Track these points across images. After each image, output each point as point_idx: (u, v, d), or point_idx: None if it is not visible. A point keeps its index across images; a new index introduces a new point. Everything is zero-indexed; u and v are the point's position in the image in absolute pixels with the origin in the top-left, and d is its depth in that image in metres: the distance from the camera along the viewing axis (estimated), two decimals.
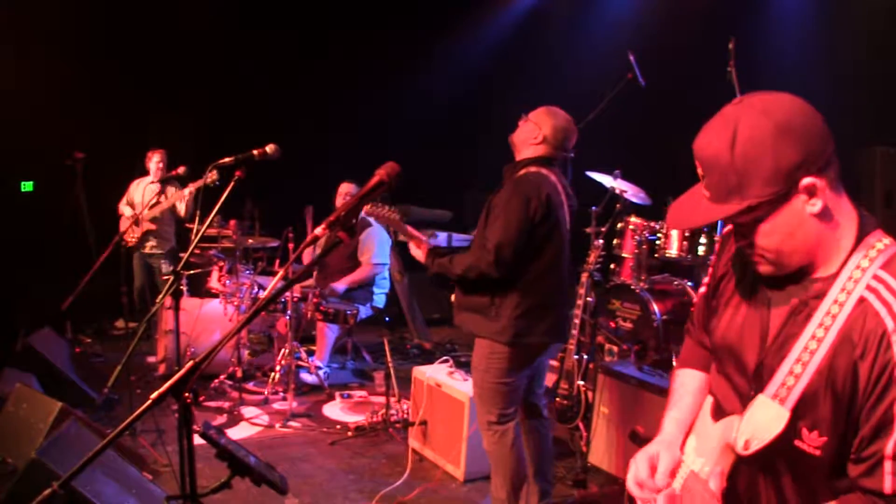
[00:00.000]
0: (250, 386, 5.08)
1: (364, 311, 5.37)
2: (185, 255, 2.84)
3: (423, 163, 5.72)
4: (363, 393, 5.17)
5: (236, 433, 4.36)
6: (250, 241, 5.23)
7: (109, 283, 5.98)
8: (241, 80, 7.44)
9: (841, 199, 1.29)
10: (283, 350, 4.92)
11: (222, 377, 4.98)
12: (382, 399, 4.49)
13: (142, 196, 6.19)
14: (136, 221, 6.05)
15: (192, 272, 5.51)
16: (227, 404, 4.75)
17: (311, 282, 5.29)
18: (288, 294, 4.73)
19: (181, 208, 6.08)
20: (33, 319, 4.93)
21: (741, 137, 1.24)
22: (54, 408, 3.41)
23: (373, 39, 7.69)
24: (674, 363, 4.14)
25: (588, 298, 3.73)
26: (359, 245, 5.51)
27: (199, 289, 5.73)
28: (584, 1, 7.76)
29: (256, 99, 7.33)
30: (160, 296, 3.18)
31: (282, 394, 4.89)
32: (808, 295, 1.30)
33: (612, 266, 5.10)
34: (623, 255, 4.95)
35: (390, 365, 4.37)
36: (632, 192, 4.63)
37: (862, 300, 1.24)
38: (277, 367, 4.98)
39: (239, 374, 4.87)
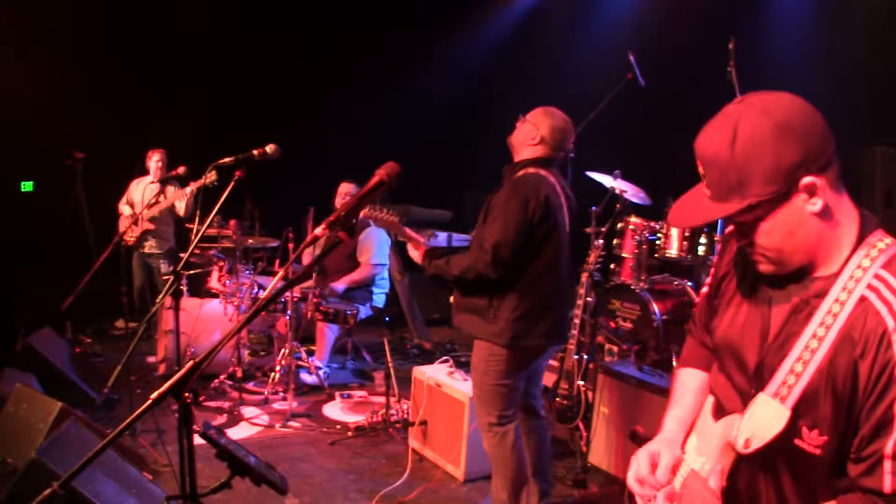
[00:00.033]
0: (250, 386, 5.08)
1: (364, 311, 5.37)
2: (185, 255, 2.84)
3: (423, 163, 5.72)
4: (363, 393, 5.17)
5: (236, 433, 4.36)
6: (250, 241, 5.24)
7: (109, 283, 5.98)
8: (241, 80, 7.45)
9: (842, 199, 1.30)
10: (283, 350, 4.92)
11: (222, 377, 4.98)
12: (382, 399, 4.49)
13: (142, 196, 6.19)
14: (136, 221, 6.06)
15: (192, 272, 5.51)
16: (227, 404, 4.75)
17: (310, 282, 5.29)
18: (288, 294, 4.73)
19: (181, 207, 6.08)
20: (33, 319, 4.92)
21: (741, 136, 1.24)
22: (54, 408, 3.41)
23: (373, 39, 7.69)
24: (674, 363, 4.16)
25: (588, 298, 3.73)
26: (358, 245, 5.51)
27: (199, 289, 5.73)
28: (584, 1, 7.76)
29: (256, 99, 7.33)
30: (160, 296, 3.19)
31: (282, 394, 4.89)
32: (810, 294, 1.30)
33: (612, 266, 5.10)
34: (623, 255, 4.95)
35: (390, 365, 4.37)
36: (632, 192, 4.62)
37: (863, 299, 1.24)
38: (277, 367, 4.98)
39: (239, 374, 4.87)
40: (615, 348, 4.66)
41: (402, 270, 6.22)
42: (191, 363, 1.49)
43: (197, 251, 5.01)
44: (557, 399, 3.79)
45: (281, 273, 2.53)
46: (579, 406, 3.69)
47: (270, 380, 4.99)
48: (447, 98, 8.17)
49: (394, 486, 3.69)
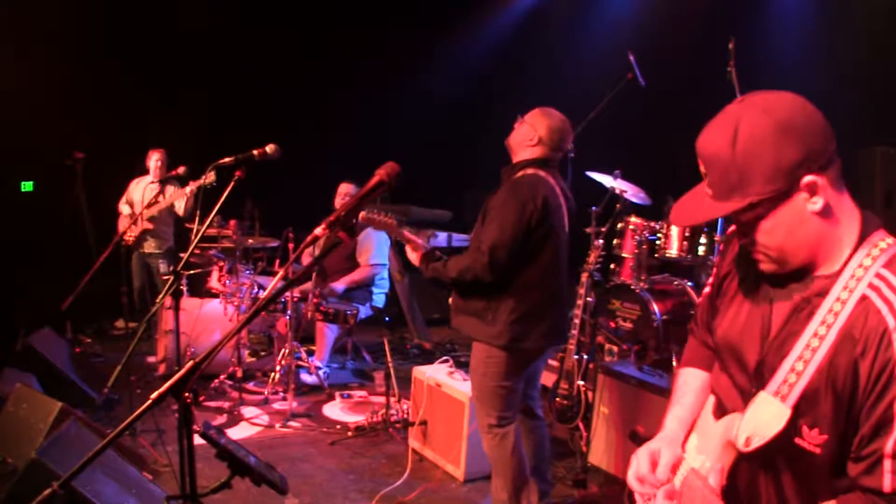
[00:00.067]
0: (250, 386, 5.08)
1: (364, 311, 5.37)
2: (185, 255, 2.84)
3: (423, 163, 5.72)
4: (363, 393, 5.17)
5: (236, 433, 4.35)
6: (250, 241, 5.23)
7: (109, 283, 5.98)
8: (241, 80, 7.45)
9: (843, 198, 1.30)
10: (283, 350, 4.93)
11: (222, 377, 4.98)
12: (382, 399, 4.49)
13: (142, 195, 6.18)
14: (135, 220, 6.05)
15: (191, 272, 5.51)
16: (227, 404, 4.75)
17: (309, 283, 5.29)
18: (288, 294, 4.73)
19: (180, 207, 6.08)
20: (33, 319, 4.93)
21: (742, 135, 1.25)
22: (54, 408, 3.41)
23: (373, 39, 7.69)
24: (674, 363, 4.16)
25: (588, 298, 3.72)
26: (357, 246, 5.51)
27: (199, 289, 5.73)
28: (584, 1, 7.77)
29: (256, 99, 7.33)
30: (160, 296, 3.18)
31: (282, 394, 4.88)
32: (811, 293, 1.31)
33: (612, 266, 5.10)
34: (623, 255, 4.95)
35: (390, 365, 4.37)
36: (632, 192, 4.62)
37: (864, 298, 1.24)
38: (277, 367, 4.98)
39: (239, 374, 4.87)
40: (615, 348, 4.66)
41: (402, 270, 6.22)
42: (191, 363, 1.50)
43: (197, 251, 5.01)
44: (557, 399, 3.79)
45: (281, 273, 2.53)
46: (579, 406, 3.69)
47: (270, 380, 4.99)
48: (447, 98, 8.17)
49: (394, 486, 3.69)
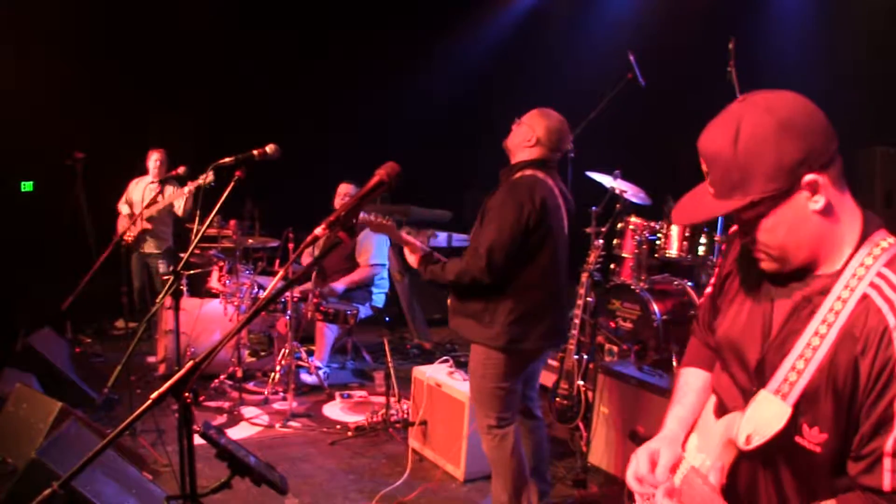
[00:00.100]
0: (250, 386, 5.08)
1: (363, 311, 5.37)
2: (185, 255, 2.84)
3: (423, 163, 5.72)
4: (363, 393, 5.17)
5: (236, 433, 4.35)
6: (250, 241, 5.23)
7: (109, 283, 5.98)
8: (241, 80, 7.45)
9: (844, 197, 1.30)
10: (283, 350, 4.93)
11: (222, 377, 4.98)
12: (382, 399, 4.49)
13: (141, 195, 6.18)
14: (134, 220, 6.05)
15: (191, 272, 5.51)
16: (227, 404, 4.75)
17: (309, 283, 5.29)
18: (288, 294, 4.73)
19: (179, 207, 6.07)
20: (33, 319, 4.93)
21: (744, 134, 1.26)
22: (54, 408, 3.41)
23: (373, 39, 7.69)
24: (674, 363, 4.16)
25: (588, 298, 3.72)
26: (357, 246, 5.51)
27: (199, 289, 5.73)
28: (584, 1, 7.77)
29: (256, 99, 7.33)
30: (160, 296, 3.18)
31: (282, 394, 4.88)
32: (812, 291, 1.31)
33: (612, 266, 5.10)
34: (623, 255, 4.95)
35: (390, 365, 4.37)
36: (632, 192, 4.62)
37: (865, 297, 1.24)
38: (277, 367, 4.98)
39: (239, 374, 4.87)
40: (615, 348, 4.66)
41: (402, 270, 6.22)
42: (191, 363, 1.50)
43: (197, 251, 5.01)
44: (557, 399, 3.79)
45: (281, 273, 2.53)
46: (579, 406, 3.69)
47: (270, 380, 4.99)
48: (447, 98, 8.17)
49: (394, 486, 3.69)
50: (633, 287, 4.63)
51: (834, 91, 4.98)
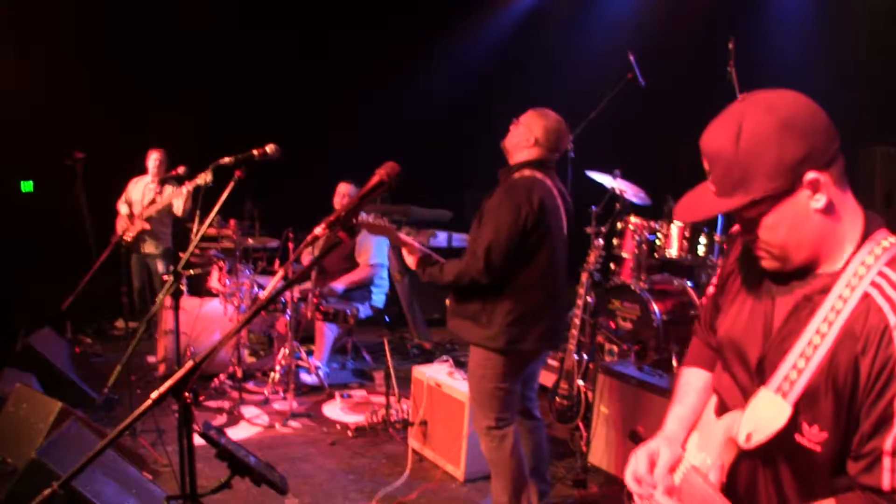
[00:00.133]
0: (250, 386, 5.08)
1: (363, 311, 5.37)
2: (185, 255, 2.84)
3: (423, 163, 5.72)
4: (363, 393, 5.16)
5: (236, 433, 4.36)
6: (250, 241, 5.24)
7: (109, 283, 5.98)
8: (241, 80, 7.45)
9: (846, 196, 1.31)
10: (283, 350, 4.93)
11: (222, 377, 4.98)
12: (382, 399, 4.49)
13: (141, 195, 6.18)
14: (132, 220, 6.05)
15: (191, 272, 5.50)
16: (227, 404, 4.75)
17: (309, 283, 5.29)
18: (288, 294, 4.73)
19: (178, 206, 6.07)
20: (33, 319, 4.93)
21: (746, 133, 1.26)
22: (54, 408, 3.42)
23: (373, 39, 7.70)
24: (673, 363, 4.16)
25: (588, 298, 3.72)
26: (356, 246, 5.50)
27: (199, 289, 5.73)
28: (584, 1, 7.77)
29: (256, 99, 7.34)
30: (160, 295, 3.18)
31: (282, 394, 4.89)
32: (813, 290, 1.31)
33: (612, 266, 5.10)
34: (623, 255, 4.95)
35: (390, 365, 4.37)
36: (632, 192, 4.62)
37: (866, 296, 1.24)
38: (277, 367, 4.98)
39: (239, 374, 4.87)
40: (615, 348, 4.65)
41: (402, 270, 6.22)
42: (191, 363, 1.50)
43: (197, 251, 5.01)
44: (557, 399, 3.79)
45: (280, 273, 2.53)
46: (579, 406, 3.69)
47: (270, 380, 4.99)
48: (447, 98, 8.17)
49: (394, 486, 3.69)
50: (633, 287, 4.63)
51: (834, 91, 4.97)
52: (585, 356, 3.71)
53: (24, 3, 6.51)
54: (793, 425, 1.29)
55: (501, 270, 2.86)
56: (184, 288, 5.08)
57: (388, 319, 5.72)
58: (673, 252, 4.65)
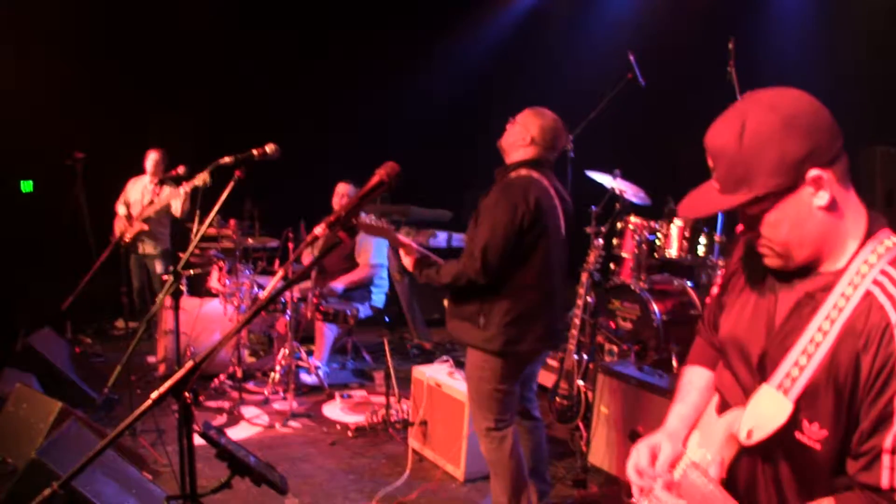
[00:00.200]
0: (250, 386, 5.08)
1: (363, 311, 5.37)
2: (184, 255, 2.84)
3: (423, 163, 5.72)
4: (363, 393, 5.16)
5: (236, 433, 4.36)
6: (250, 241, 5.24)
7: (109, 283, 5.98)
8: (241, 80, 7.45)
9: (849, 195, 1.31)
10: (283, 350, 4.93)
11: (222, 377, 4.98)
12: (382, 399, 4.49)
13: (140, 195, 6.18)
14: (129, 219, 6.05)
15: (191, 272, 5.51)
16: (227, 404, 4.75)
17: (308, 283, 5.29)
18: (288, 294, 4.73)
19: (176, 207, 6.06)
20: (33, 319, 4.93)
21: (749, 130, 1.27)
22: (54, 408, 3.42)
23: (373, 39, 7.70)
24: (674, 363, 4.16)
25: (588, 298, 3.72)
26: (356, 246, 5.50)
27: (199, 289, 5.73)
28: (584, 1, 7.77)
29: (256, 99, 7.33)
30: (160, 295, 3.18)
31: (282, 394, 4.89)
32: (815, 288, 1.32)
33: (612, 266, 5.10)
34: (623, 255, 4.95)
35: (390, 365, 4.37)
36: (632, 192, 4.62)
37: (868, 294, 1.25)
38: (277, 367, 4.98)
39: (239, 374, 4.87)
40: (615, 348, 4.65)
41: (401, 270, 6.22)
42: (191, 363, 1.50)
43: (197, 251, 5.01)
44: (557, 399, 3.79)
45: (280, 273, 2.53)
46: (579, 406, 3.69)
47: (270, 380, 4.99)
48: (447, 98, 8.17)
49: (394, 486, 3.69)
50: (632, 287, 4.63)
51: (834, 91, 4.94)
52: (585, 356, 3.71)
53: (24, 3, 6.50)
54: (793, 423, 1.30)
55: (498, 270, 2.85)
56: (184, 288, 5.09)
57: (387, 319, 5.72)
58: (673, 252, 4.65)
